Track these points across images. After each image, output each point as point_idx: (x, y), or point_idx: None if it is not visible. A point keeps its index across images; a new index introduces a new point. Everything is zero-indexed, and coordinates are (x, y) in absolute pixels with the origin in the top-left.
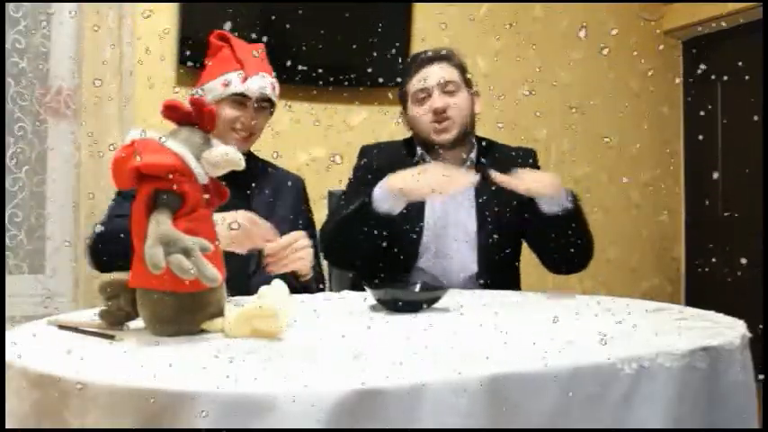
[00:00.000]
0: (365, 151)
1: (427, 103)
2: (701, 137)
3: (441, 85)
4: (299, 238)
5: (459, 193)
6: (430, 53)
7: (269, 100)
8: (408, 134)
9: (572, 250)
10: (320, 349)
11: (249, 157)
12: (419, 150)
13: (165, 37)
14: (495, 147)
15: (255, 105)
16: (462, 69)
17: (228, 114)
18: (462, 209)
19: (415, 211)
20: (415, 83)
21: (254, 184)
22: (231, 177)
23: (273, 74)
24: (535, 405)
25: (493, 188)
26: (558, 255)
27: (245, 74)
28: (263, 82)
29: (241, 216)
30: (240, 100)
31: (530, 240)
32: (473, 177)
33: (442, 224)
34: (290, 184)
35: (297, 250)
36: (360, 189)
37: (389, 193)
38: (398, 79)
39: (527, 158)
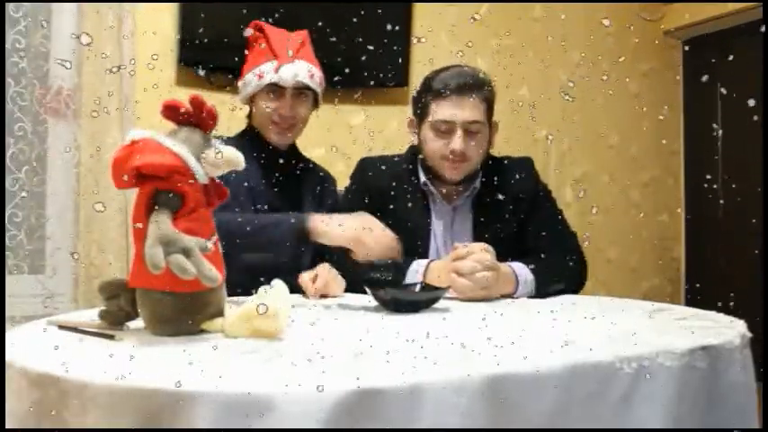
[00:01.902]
0: (365, 166)
1: (447, 138)
2: (700, 137)
3: (466, 123)
4: (334, 273)
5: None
6: (466, 80)
7: (308, 88)
8: (406, 137)
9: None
10: (320, 349)
11: (294, 152)
12: (422, 177)
13: (166, 37)
14: (496, 163)
15: (293, 94)
16: (490, 102)
17: (266, 106)
18: (462, 239)
19: (421, 240)
20: (440, 110)
21: (302, 185)
22: (281, 174)
23: (315, 61)
24: (535, 405)
25: (491, 214)
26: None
27: (277, 63)
28: (297, 69)
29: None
30: (276, 90)
31: None
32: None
33: (446, 253)
34: (327, 183)
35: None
36: (359, 210)
37: (423, 277)
38: (392, 72)
39: (525, 168)
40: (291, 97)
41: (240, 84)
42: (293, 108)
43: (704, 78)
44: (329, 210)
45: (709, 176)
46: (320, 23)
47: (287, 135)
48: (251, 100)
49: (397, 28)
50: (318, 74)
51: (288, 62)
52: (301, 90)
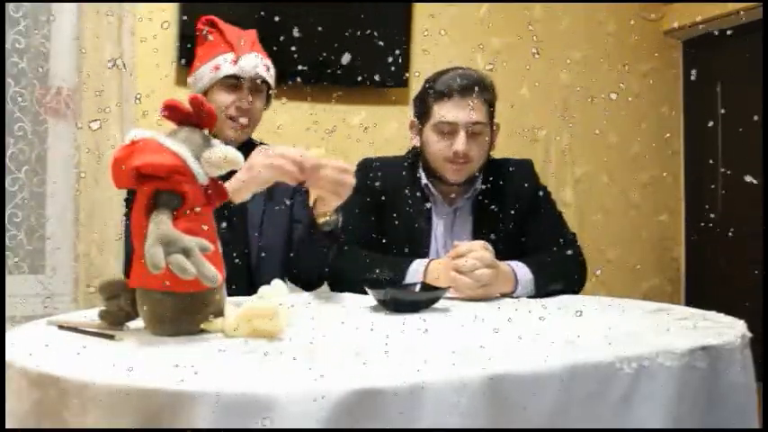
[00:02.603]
0: (367, 167)
1: (449, 139)
2: (700, 137)
3: (469, 125)
4: (349, 170)
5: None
6: (468, 82)
7: (265, 81)
8: (406, 138)
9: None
10: (320, 349)
11: (251, 143)
12: (423, 178)
13: (166, 37)
14: (496, 165)
15: (250, 87)
16: (492, 104)
17: (222, 100)
18: (462, 241)
19: (422, 242)
20: (443, 112)
21: None
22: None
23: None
24: (535, 405)
25: (491, 216)
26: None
27: (236, 55)
28: (255, 61)
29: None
30: (233, 83)
31: None
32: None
33: (446, 254)
34: None
35: (339, 183)
36: (360, 210)
37: (423, 277)
38: (390, 73)
39: (525, 170)
40: (249, 90)
41: (191, 79)
42: (251, 102)
43: (704, 78)
44: (291, 194)
45: (709, 176)
46: (320, 23)
47: (245, 131)
48: (204, 96)
49: (396, 29)
50: (272, 68)
51: (246, 53)
52: (258, 83)
